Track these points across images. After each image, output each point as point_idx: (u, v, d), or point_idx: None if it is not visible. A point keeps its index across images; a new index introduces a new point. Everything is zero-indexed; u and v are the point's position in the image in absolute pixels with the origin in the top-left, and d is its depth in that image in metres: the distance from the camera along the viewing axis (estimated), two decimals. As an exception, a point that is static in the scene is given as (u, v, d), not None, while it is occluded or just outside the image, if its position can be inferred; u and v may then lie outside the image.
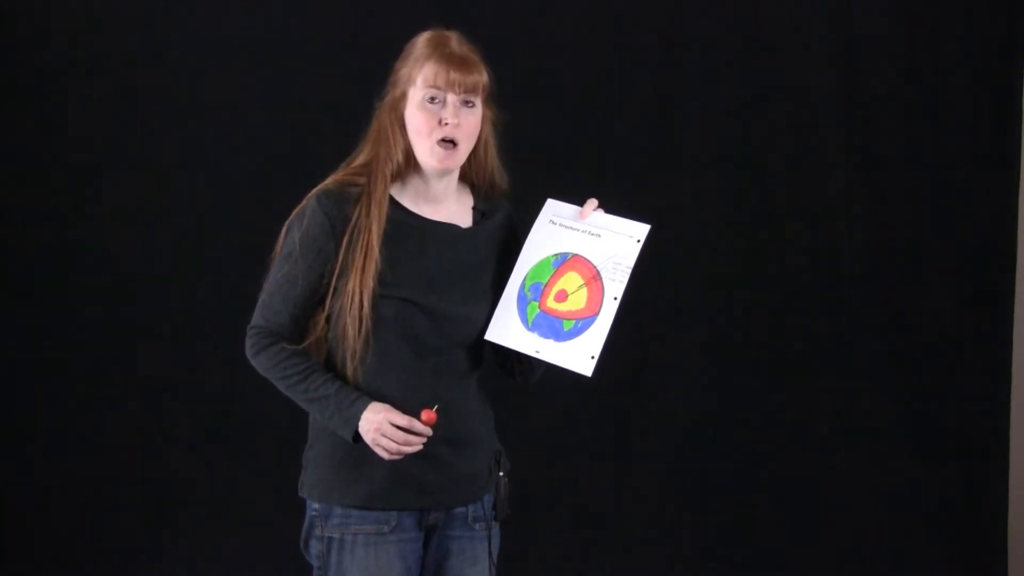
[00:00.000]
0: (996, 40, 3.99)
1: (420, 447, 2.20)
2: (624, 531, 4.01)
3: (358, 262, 2.21)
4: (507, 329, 2.29)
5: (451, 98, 2.24)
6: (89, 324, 3.82)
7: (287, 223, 2.31)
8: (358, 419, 2.21)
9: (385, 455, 2.20)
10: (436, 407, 2.19)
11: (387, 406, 2.21)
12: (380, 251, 2.22)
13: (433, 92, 2.24)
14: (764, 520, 4.02)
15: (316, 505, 2.32)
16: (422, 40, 2.29)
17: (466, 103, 2.25)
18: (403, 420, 2.18)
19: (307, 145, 3.71)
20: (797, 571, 4.04)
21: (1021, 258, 4.03)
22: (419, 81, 2.25)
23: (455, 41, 2.28)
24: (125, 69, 3.78)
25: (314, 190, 2.30)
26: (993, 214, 4.03)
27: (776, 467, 4.03)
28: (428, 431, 2.19)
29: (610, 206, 2.39)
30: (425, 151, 2.26)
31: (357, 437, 2.22)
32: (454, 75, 2.23)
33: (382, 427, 2.18)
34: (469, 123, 2.26)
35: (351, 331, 2.22)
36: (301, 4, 3.83)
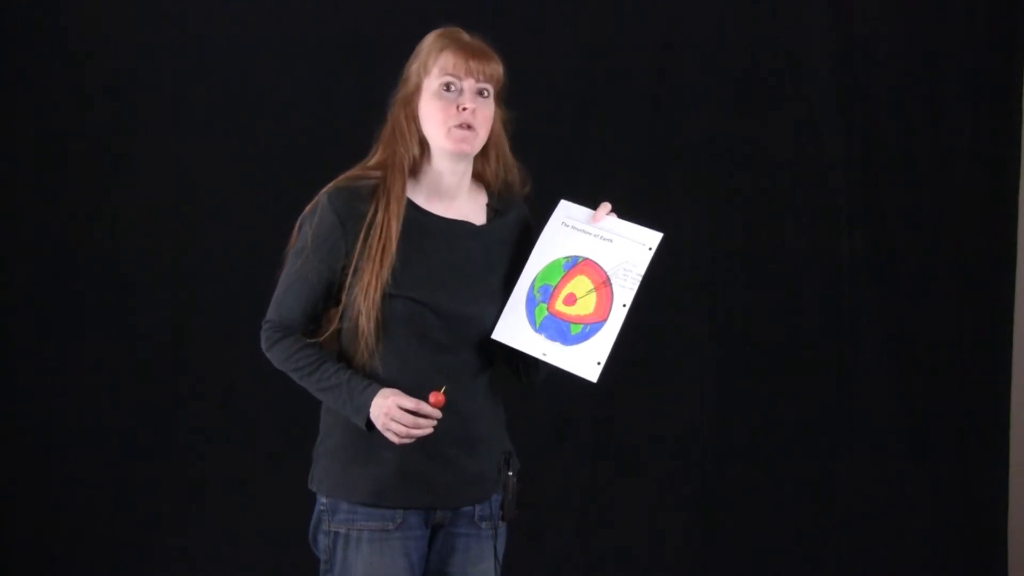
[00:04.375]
0: (996, 40, 3.99)
1: (430, 430, 2.20)
2: (624, 531, 4.01)
3: (375, 257, 2.22)
4: (515, 330, 2.28)
5: (468, 85, 2.24)
6: (92, 324, 3.81)
7: (300, 218, 2.31)
8: (369, 406, 2.22)
9: (395, 439, 2.20)
10: (444, 388, 2.20)
11: (396, 391, 2.21)
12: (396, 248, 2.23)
13: (449, 79, 2.23)
14: (764, 520, 4.02)
15: (324, 500, 2.33)
16: (434, 35, 2.30)
17: (481, 92, 2.25)
18: (411, 403, 2.19)
19: (311, 145, 3.71)
20: (797, 571, 4.04)
21: (1021, 258, 4.04)
22: (434, 71, 2.25)
23: (467, 34, 2.29)
24: (127, 68, 3.78)
25: (327, 187, 2.29)
26: (993, 214, 4.03)
27: (776, 467, 4.03)
28: (437, 413, 2.20)
29: (612, 206, 2.39)
30: (440, 135, 2.25)
31: (371, 425, 2.23)
32: (472, 63, 2.23)
33: (391, 411, 2.19)
34: (485, 112, 2.26)
35: (365, 326, 2.22)
36: (305, 4, 3.82)
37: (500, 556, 2.40)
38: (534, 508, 3.02)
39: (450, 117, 2.23)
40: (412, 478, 2.27)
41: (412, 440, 2.21)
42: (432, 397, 2.19)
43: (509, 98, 2.35)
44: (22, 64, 3.75)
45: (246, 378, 3.75)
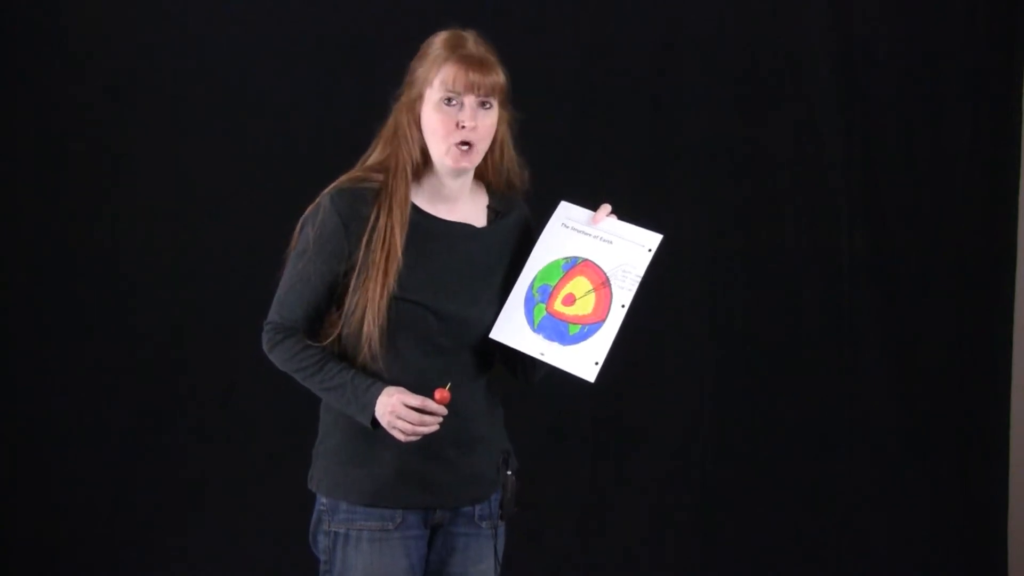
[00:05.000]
0: (996, 40, 3.99)
1: (436, 427, 2.20)
2: (624, 531, 4.01)
3: (380, 264, 2.21)
4: (513, 329, 2.29)
5: (468, 100, 2.23)
6: (92, 324, 3.81)
7: (302, 219, 2.30)
8: (374, 404, 2.22)
9: (402, 437, 2.20)
10: (449, 385, 2.20)
11: (400, 389, 2.21)
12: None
13: (450, 94, 2.22)
14: (764, 520, 4.02)
15: (324, 500, 2.34)
16: (439, 40, 2.28)
17: (483, 104, 2.24)
18: (416, 401, 2.19)
19: (311, 145, 3.72)
20: (797, 571, 4.04)
21: (1021, 258, 4.04)
22: (436, 83, 2.23)
23: (472, 42, 2.26)
24: (127, 68, 3.78)
25: (328, 188, 2.29)
26: (993, 214, 4.03)
27: (776, 467, 4.03)
28: (443, 410, 2.20)
29: (612, 206, 2.39)
30: (441, 152, 2.25)
31: (376, 423, 2.23)
32: (473, 77, 2.21)
33: (396, 409, 2.19)
34: (486, 124, 2.25)
35: (370, 330, 2.22)
36: (305, 4, 3.82)
37: (500, 555, 2.40)
38: (534, 508, 3.03)
39: (450, 133, 2.23)
40: (411, 478, 2.28)
41: (418, 438, 2.21)
42: (437, 394, 2.20)
43: (509, 98, 2.34)
44: (22, 64, 3.75)
45: (246, 378, 3.75)
